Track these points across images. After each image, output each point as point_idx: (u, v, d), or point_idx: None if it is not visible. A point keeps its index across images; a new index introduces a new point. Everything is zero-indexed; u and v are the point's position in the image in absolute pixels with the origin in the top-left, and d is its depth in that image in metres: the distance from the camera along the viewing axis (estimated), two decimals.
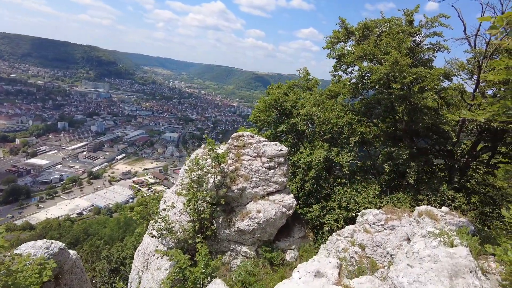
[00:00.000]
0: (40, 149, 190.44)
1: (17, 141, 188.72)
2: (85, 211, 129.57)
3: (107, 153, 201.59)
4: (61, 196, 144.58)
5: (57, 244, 10.72)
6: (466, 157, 14.66)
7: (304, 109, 16.04)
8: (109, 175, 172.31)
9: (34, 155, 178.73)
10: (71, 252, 11.33)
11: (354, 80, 16.61)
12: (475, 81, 13.34)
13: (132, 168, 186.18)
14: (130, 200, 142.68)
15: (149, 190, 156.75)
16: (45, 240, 11.02)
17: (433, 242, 6.76)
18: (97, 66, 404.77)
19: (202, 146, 15.41)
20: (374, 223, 11.32)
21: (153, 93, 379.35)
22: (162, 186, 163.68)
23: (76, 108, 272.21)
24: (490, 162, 15.12)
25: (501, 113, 5.04)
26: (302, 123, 16.16)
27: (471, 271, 4.66)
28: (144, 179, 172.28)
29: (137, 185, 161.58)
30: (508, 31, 3.39)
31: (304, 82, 19.82)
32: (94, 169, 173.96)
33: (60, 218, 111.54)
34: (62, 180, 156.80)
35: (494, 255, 5.82)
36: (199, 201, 12.58)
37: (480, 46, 14.15)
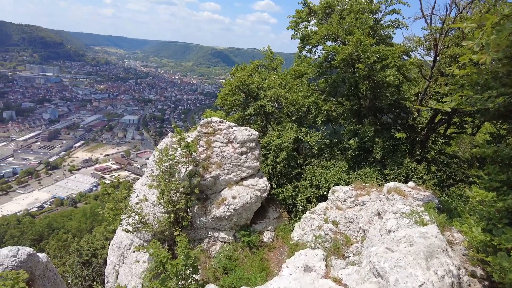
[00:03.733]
0: None
1: None
2: (46, 204, 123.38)
3: (64, 141, 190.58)
4: (17, 191, 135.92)
5: (25, 250, 10.18)
6: (425, 130, 15.59)
7: (271, 91, 16.03)
8: (68, 164, 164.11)
9: None
10: (41, 255, 10.77)
11: (318, 60, 16.79)
12: (433, 57, 13.99)
13: (92, 155, 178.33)
14: (94, 189, 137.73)
15: (112, 176, 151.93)
16: (10, 247, 10.42)
17: (405, 220, 7.24)
18: (41, 48, 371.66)
19: (170, 134, 15.02)
20: (345, 200, 11.85)
21: (108, 75, 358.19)
22: (126, 171, 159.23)
23: (23, 95, 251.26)
24: (447, 133, 16.21)
25: (464, 102, 5.36)
26: (270, 105, 16.19)
27: (443, 251, 5.08)
28: (107, 165, 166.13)
29: (99, 172, 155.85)
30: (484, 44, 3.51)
31: (268, 62, 19.67)
32: (51, 159, 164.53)
33: (18, 214, 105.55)
34: (16, 174, 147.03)
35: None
36: (172, 192, 12.42)
37: (436, 23, 14.82)
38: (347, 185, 13.16)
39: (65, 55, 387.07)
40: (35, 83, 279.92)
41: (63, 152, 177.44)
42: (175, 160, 12.48)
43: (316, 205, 13.07)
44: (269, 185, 13.34)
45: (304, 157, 16.33)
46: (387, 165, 14.21)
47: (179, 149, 12.68)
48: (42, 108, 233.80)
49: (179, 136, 12.42)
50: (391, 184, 10.08)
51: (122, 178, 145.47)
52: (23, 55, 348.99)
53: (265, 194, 13.11)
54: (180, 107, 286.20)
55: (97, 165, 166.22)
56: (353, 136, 15.83)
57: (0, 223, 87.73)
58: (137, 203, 12.54)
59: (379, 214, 10.03)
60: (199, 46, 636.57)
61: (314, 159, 15.78)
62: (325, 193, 13.78)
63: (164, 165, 12.39)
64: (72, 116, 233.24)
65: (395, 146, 15.52)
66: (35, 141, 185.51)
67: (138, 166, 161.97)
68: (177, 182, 12.41)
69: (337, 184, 13.86)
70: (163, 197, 12.16)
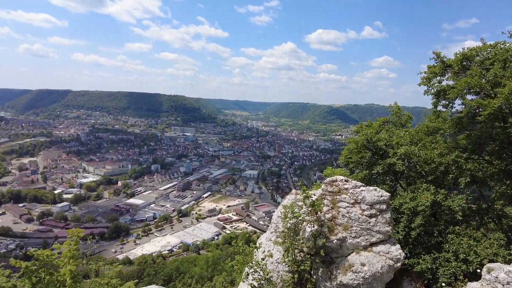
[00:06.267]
0: (137, 190, 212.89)
1: (119, 183, 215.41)
2: (175, 248, 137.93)
3: (195, 192, 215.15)
4: (154, 234, 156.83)
5: None
6: None
7: (402, 149, 14.95)
8: (196, 213, 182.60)
9: (132, 195, 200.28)
10: None
11: (456, 115, 15.11)
12: None
13: (216, 206, 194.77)
14: (216, 237, 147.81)
15: (233, 227, 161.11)
16: (155, 286, 11.81)
17: None
18: (183, 113, 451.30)
19: (293, 191, 15.23)
20: (508, 283, 9.57)
21: (234, 134, 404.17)
22: (245, 223, 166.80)
23: (167, 152, 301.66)
24: None
25: None
26: (400, 163, 15.01)
27: None
28: (228, 216, 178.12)
29: (221, 222, 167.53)
30: None
31: (396, 118, 18.72)
32: (183, 207, 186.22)
33: (153, 254, 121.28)
34: (155, 218, 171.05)
35: None
36: (296, 251, 12.25)
37: None
38: (507, 263, 10.73)
39: (200, 118, 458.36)
40: (176, 142, 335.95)
41: (193, 202, 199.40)
42: (300, 218, 12.47)
43: (465, 284, 10.94)
44: (403, 254, 11.89)
45: (445, 223, 14.18)
46: None
47: (304, 207, 12.69)
48: (180, 162, 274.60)
49: (304, 194, 12.50)
50: None
51: (241, 230, 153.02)
52: (170, 119, 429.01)
53: (398, 264, 11.68)
54: (295, 163, 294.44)
55: (220, 215, 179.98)
56: (510, 203, 13.11)
57: (140, 260, 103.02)
58: (262, 259, 12.77)
59: None
60: (315, 105, 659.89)
61: (457, 227, 13.53)
62: (477, 270, 11.45)
63: (290, 223, 12.49)
64: (202, 170, 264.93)
65: None
66: (172, 191, 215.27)
67: (256, 219, 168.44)
68: (302, 241, 12.25)
69: (492, 260, 11.42)
70: (287, 256, 12.09)
